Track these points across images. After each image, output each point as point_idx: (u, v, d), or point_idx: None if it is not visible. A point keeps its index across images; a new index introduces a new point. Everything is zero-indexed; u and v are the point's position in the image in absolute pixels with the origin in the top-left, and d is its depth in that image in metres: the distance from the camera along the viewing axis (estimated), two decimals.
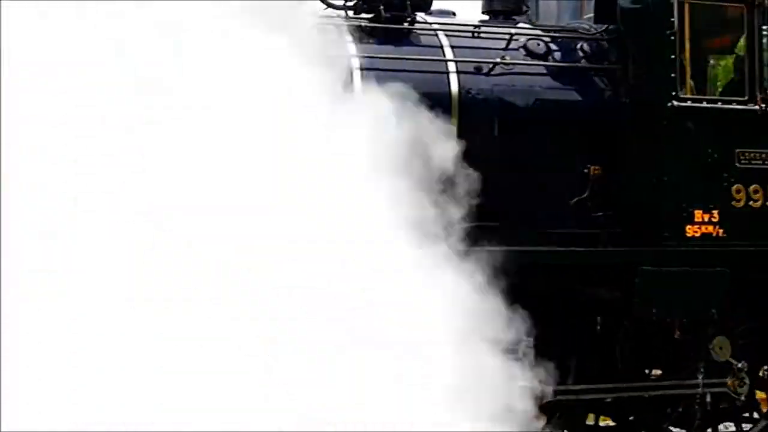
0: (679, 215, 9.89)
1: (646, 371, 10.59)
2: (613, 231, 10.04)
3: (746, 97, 10.17)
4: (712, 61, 10.71)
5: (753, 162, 10.15)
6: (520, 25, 10.54)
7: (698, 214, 9.96)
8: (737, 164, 10.09)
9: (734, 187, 10.08)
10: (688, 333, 10.01)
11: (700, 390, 10.08)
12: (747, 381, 10.26)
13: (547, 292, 9.59)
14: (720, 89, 10.64)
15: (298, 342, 6.47)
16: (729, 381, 10.19)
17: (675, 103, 9.88)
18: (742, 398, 10.35)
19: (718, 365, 10.37)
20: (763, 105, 10.12)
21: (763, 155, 10.18)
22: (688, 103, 9.95)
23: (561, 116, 10.01)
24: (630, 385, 10.09)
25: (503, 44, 10.07)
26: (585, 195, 10.04)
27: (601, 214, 10.03)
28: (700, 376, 10.02)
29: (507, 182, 9.87)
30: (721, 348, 10.43)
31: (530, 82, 10.03)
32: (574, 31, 10.50)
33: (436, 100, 9.65)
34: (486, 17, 10.63)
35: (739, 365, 10.18)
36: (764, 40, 10.27)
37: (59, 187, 6.18)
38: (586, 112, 10.11)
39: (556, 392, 9.37)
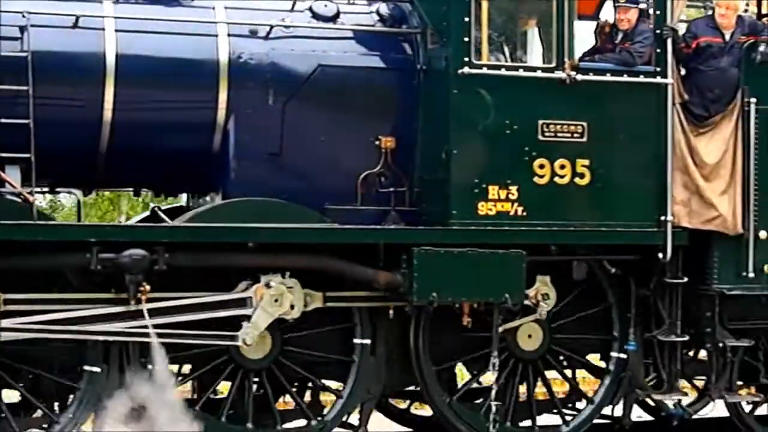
0: (469, 191, 9.07)
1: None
2: (403, 209, 9.31)
3: (554, 65, 9.34)
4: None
5: (559, 135, 9.29)
6: None
7: (493, 191, 9.13)
8: (540, 137, 9.24)
9: (537, 162, 9.23)
10: (479, 320, 9.22)
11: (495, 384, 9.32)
12: (550, 294, 9.41)
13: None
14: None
15: None
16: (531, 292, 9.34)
17: (467, 70, 9.04)
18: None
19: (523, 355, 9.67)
20: (573, 73, 9.27)
21: (571, 127, 9.34)
22: (483, 71, 9.10)
23: (347, 83, 9.24)
24: None
25: (288, 6, 9.35)
26: (376, 169, 9.32)
27: (392, 189, 9.29)
28: (494, 369, 9.22)
29: (287, 155, 9.19)
30: (530, 336, 9.72)
31: (313, 46, 9.26)
32: None
33: (201, 67, 9.04)
34: None
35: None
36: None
37: None
38: (375, 79, 9.33)
39: None
